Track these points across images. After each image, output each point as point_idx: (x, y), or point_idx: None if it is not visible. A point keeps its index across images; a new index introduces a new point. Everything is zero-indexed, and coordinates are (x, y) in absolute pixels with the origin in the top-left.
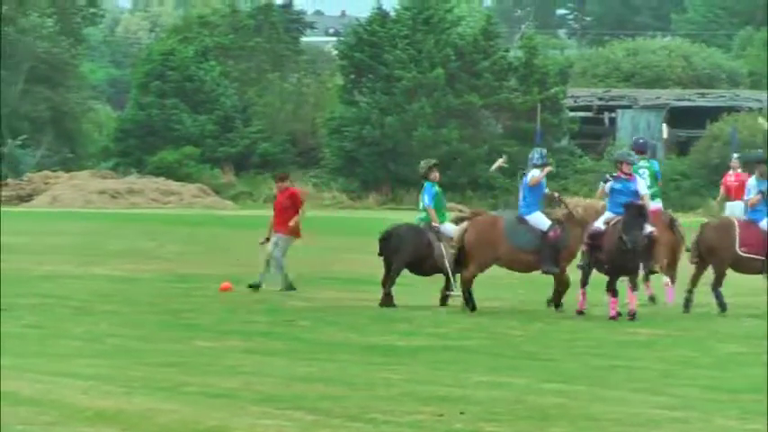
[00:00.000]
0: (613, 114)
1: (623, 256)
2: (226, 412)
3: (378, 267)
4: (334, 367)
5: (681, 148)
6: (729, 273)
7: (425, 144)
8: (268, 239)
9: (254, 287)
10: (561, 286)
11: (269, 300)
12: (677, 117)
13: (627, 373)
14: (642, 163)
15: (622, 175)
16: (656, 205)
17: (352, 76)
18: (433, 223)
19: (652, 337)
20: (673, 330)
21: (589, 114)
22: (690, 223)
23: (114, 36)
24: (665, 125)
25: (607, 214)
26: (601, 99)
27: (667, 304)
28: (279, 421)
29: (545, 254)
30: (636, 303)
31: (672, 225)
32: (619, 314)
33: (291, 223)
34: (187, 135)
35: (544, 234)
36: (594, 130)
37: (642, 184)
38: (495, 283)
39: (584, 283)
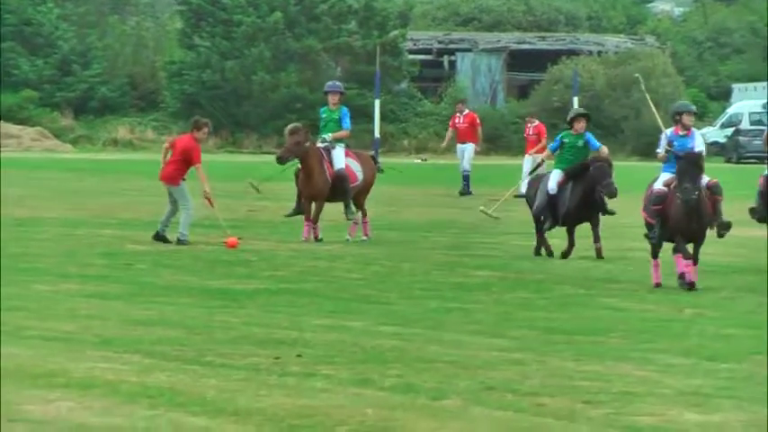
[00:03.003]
0: (453, 57)
1: (687, 217)
2: (64, 356)
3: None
4: (171, 310)
5: (521, 91)
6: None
7: (265, 88)
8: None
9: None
10: None
11: (107, 243)
12: (517, 60)
13: (463, 315)
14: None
15: (680, 131)
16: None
17: (192, 21)
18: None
19: (489, 279)
20: (509, 272)
21: (429, 57)
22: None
23: None
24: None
25: (665, 175)
26: (441, 42)
27: (365, 238)
28: (116, 365)
29: None
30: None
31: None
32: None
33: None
34: (25, 79)
35: None
36: (434, 74)
37: (700, 140)
38: (333, 225)
39: (655, 254)
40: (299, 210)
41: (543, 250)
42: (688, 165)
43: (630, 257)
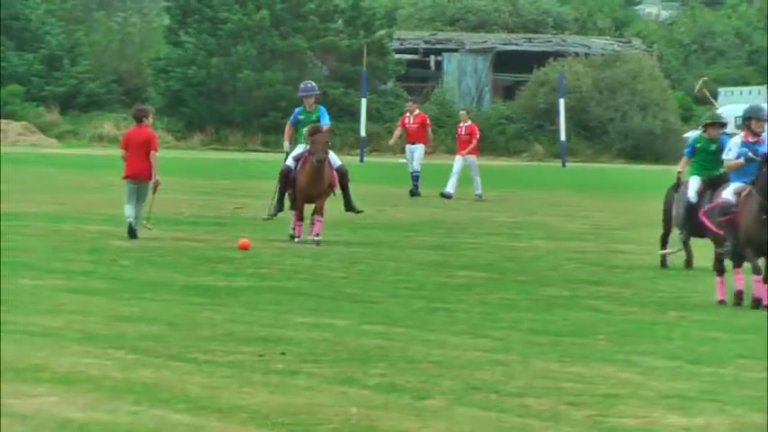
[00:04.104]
0: (440, 58)
1: (763, 230)
2: (49, 351)
3: (199, 207)
4: (155, 307)
5: (507, 92)
6: (539, 212)
7: (249, 86)
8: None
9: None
10: None
11: (92, 239)
12: (504, 61)
13: (447, 315)
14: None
15: (750, 138)
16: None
17: (178, 17)
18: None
19: (472, 279)
20: (494, 273)
21: (415, 57)
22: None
23: None
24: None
25: (735, 185)
26: (427, 42)
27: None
28: (100, 360)
29: None
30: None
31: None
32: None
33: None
34: (13, 73)
35: None
36: (420, 74)
37: None
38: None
39: (720, 270)
40: (281, 207)
41: (673, 262)
42: None
43: (615, 260)
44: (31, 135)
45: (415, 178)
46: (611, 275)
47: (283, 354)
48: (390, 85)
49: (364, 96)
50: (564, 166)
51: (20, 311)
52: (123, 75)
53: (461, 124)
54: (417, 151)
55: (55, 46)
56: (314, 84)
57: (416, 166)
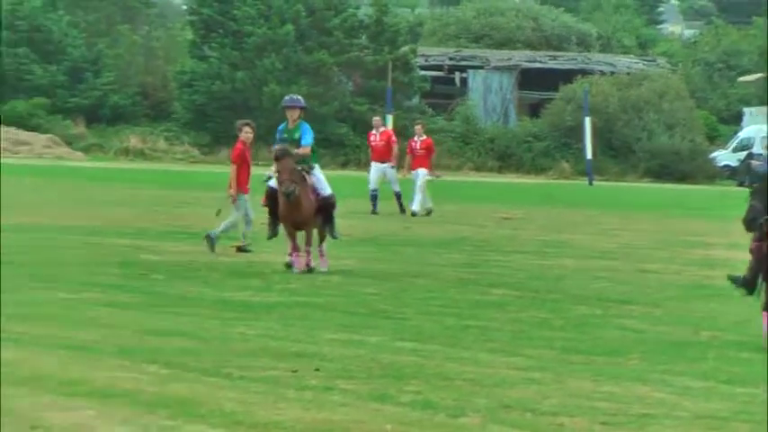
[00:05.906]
0: (465, 74)
1: None
2: (86, 364)
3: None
4: (188, 321)
5: (532, 109)
6: (566, 230)
7: (275, 100)
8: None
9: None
10: None
11: (122, 252)
12: (529, 79)
13: (480, 333)
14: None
15: None
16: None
17: (202, 31)
18: None
19: (505, 297)
20: (526, 291)
21: (440, 74)
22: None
23: None
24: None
25: None
26: (452, 59)
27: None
28: (135, 374)
29: None
30: None
31: None
32: None
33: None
34: (37, 85)
35: None
36: (445, 90)
37: None
38: (347, 241)
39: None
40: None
41: None
42: None
43: (646, 279)
44: (57, 148)
45: (398, 197)
46: (643, 295)
47: (317, 370)
48: (415, 101)
49: (389, 113)
50: (591, 184)
51: (58, 325)
52: (148, 88)
53: (416, 138)
54: (390, 173)
55: (77, 57)
56: (299, 97)
57: (396, 187)
